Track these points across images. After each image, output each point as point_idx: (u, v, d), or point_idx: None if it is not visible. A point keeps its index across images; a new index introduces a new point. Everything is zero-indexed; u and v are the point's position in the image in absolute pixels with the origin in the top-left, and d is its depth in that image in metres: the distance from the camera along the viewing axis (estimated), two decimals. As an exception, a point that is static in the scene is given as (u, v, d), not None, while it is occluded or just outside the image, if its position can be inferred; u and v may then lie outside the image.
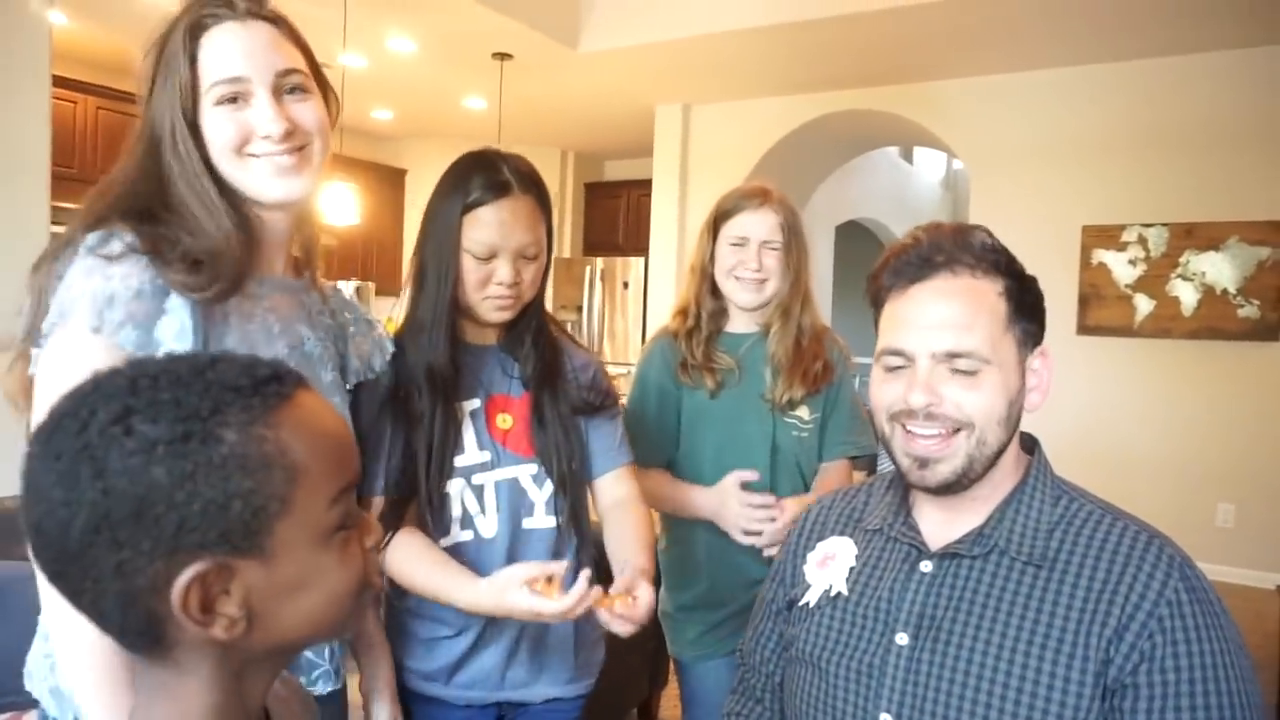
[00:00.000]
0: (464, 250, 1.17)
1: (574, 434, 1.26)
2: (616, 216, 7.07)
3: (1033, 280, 0.92)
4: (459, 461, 1.21)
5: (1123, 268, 4.38)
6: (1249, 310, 4.13)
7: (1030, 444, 0.97)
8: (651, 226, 5.86)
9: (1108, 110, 4.39)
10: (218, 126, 0.91)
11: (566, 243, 7.26)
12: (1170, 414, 4.29)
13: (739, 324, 1.61)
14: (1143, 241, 4.33)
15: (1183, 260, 4.25)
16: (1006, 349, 0.89)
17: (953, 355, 0.87)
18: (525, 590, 1.05)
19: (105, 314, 0.83)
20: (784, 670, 1.04)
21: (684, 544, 1.60)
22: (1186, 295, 4.26)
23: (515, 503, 1.23)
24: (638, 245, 6.40)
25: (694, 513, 1.52)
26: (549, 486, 1.24)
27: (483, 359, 1.26)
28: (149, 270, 0.85)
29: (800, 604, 1.02)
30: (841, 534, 1.04)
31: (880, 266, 0.94)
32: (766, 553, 1.46)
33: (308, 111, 0.95)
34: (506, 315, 1.21)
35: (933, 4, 3.71)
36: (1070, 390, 4.33)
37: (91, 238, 0.85)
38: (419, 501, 1.18)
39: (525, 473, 1.23)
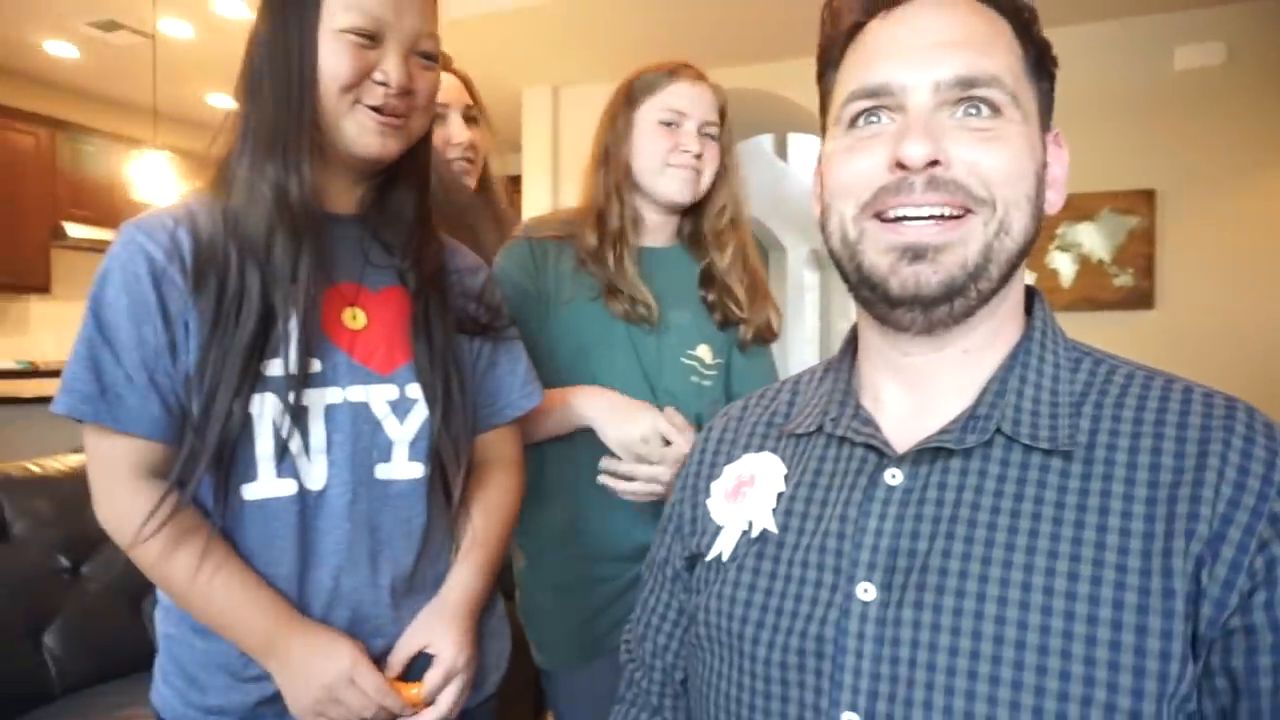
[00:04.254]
0: (333, 32, 0.80)
1: (459, 356, 0.93)
2: (487, 214, 6.69)
3: (1048, 43, 0.65)
4: (271, 370, 0.80)
5: (1002, 241, 4.36)
6: (1124, 279, 4.17)
7: (1027, 299, 0.67)
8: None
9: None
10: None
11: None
12: (1055, 386, 4.28)
13: (653, 235, 1.29)
14: (1020, 214, 4.33)
15: (1059, 232, 4.25)
16: (1030, 102, 0.61)
17: (968, 84, 0.58)
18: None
19: None
20: (688, 662, 0.70)
21: (545, 501, 1.24)
22: (1065, 267, 4.27)
23: (364, 440, 0.85)
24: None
25: (579, 417, 1.17)
26: (416, 421, 0.87)
27: (331, 232, 0.87)
28: None
29: (707, 559, 0.69)
30: (760, 450, 0.71)
31: None
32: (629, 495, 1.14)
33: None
34: (393, 149, 0.85)
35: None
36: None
37: None
38: (194, 431, 0.79)
39: (381, 397, 0.86)
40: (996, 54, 0.59)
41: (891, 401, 0.65)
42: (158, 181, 3.84)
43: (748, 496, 0.68)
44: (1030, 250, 0.61)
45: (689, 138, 1.22)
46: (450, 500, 0.91)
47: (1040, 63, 0.64)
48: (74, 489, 1.67)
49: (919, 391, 0.64)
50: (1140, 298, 4.14)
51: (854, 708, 0.56)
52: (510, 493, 1.00)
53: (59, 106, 5.07)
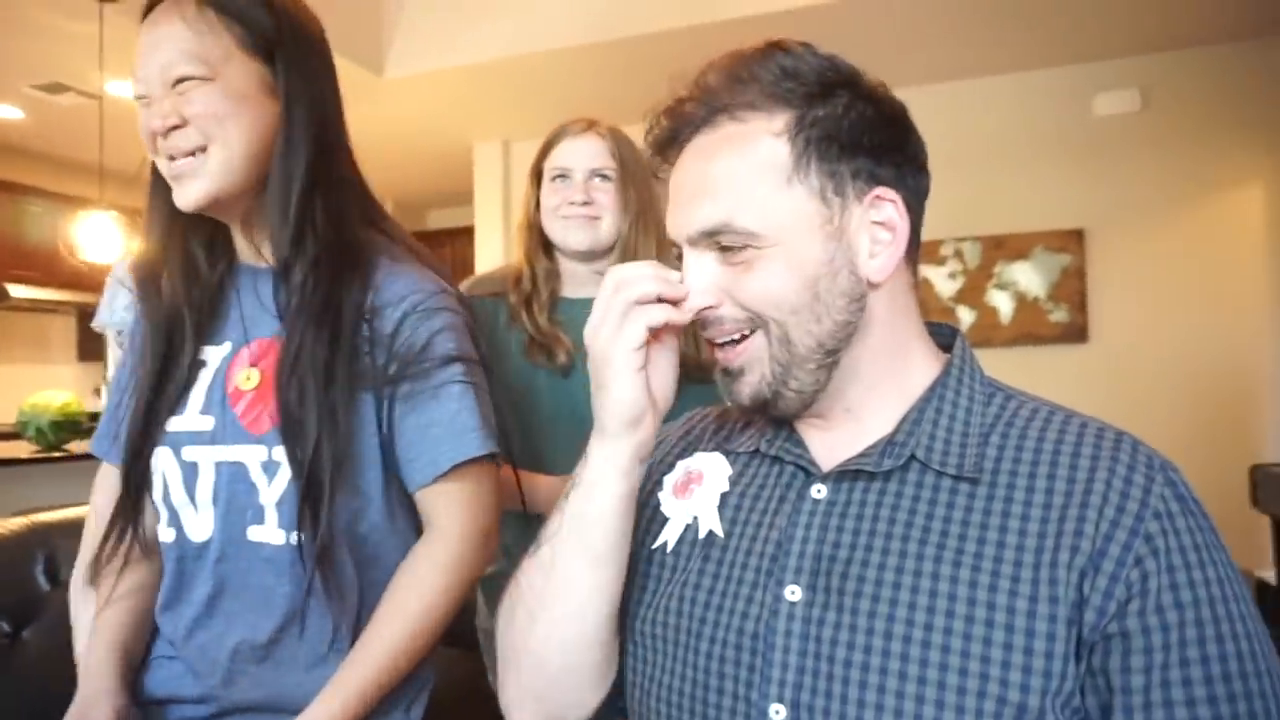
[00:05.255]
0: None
1: (347, 411, 0.83)
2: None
3: (869, 94, 0.69)
4: (174, 425, 0.86)
5: (944, 282, 4.50)
6: (1059, 315, 4.32)
7: (949, 338, 0.74)
8: (477, 273, 5.56)
9: (924, 131, 4.54)
10: None
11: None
12: (1000, 420, 4.38)
13: (578, 287, 1.35)
14: (960, 255, 4.47)
15: (996, 271, 4.41)
16: (794, 210, 0.65)
17: (709, 234, 0.66)
18: None
19: None
20: (632, 660, 0.74)
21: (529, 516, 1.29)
22: (1003, 304, 4.42)
23: (239, 500, 0.85)
24: (465, 294, 6.08)
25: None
26: (281, 485, 0.83)
27: (253, 287, 0.90)
28: None
29: (653, 547, 0.74)
30: (713, 451, 0.77)
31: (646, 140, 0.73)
32: None
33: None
34: (194, 194, 0.81)
35: (746, 20, 3.69)
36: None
37: None
38: (123, 471, 0.89)
39: (255, 458, 0.84)
40: (733, 190, 0.65)
41: (818, 431, 0.72)
42: (103, 241, 3.81)
43: (693, 493, 0.74)
44: (844, 338, 0.67)
45: (575, 189, 1.30)
46: (337, 572, 0.83)
47: (830, 141, 0.66)
48: (14, 553, 1.64)
49: (835, 431, 0.71)
50: (1076, 332, 4.30)
51: (781, 699, 0.62)
52: (430, 575, 0.85)
53: (1, 168, 5.02)
